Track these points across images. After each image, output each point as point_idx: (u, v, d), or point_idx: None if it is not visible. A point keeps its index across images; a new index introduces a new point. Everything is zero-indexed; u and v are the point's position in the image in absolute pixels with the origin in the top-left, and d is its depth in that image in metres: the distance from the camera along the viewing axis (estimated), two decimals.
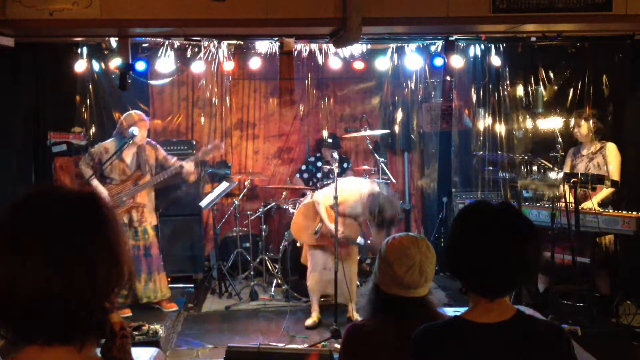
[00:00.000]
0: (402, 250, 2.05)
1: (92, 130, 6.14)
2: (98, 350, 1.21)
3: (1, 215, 1.06)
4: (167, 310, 5.47)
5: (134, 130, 5.18)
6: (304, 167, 6.67)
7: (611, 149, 5.08)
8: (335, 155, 4.98)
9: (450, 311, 2.58)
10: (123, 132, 5.24)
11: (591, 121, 5.10)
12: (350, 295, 4.90)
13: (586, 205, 4.82)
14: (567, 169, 5.23)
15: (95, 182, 5.18)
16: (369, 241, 6.41)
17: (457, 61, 5.60)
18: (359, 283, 5.38)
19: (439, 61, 5.79)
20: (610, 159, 5.02)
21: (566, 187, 4.80)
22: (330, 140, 6.43)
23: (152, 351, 3.36)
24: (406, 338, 1.97)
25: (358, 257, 5.27)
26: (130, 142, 5.21)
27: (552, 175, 5.00)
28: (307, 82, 6.79)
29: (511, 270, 1.57)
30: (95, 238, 1.07)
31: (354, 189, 4.88)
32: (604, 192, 4.95)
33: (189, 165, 5.38)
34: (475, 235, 1.58)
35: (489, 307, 1.59)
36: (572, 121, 5.37)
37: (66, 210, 1.07)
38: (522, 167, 4.94)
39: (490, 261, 1.55)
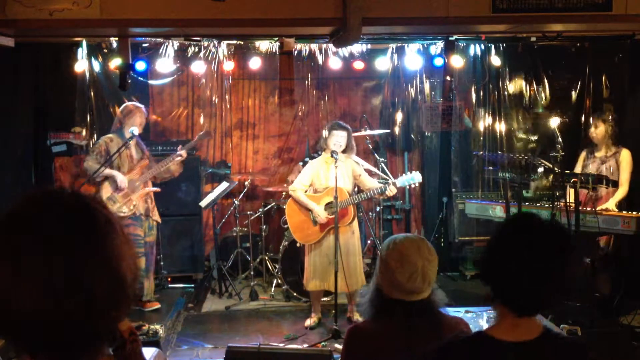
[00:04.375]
0: (403, 256, 2.00)
1: (92, 130, 6.14)
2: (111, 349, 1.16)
3: None
4: (147, 309, 5.41)
5: (134, 130, 5.18)
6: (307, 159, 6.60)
7: (625, 156, 5.08)
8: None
9: (451, 311, 2.58)
10: (123, 123, 5.25)
11: (609, 124, 5.11)
12: (348, 286, 4.80)
13: (605, 206, 4.85)
14: (578, 169, 5.24)
15: (108, 170, 5.10)
16: (369, 241, 6.42)
17: (457, 61, 5.59)
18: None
19: (439, 61, 5.79)
20: (624, 166, 5.04)
21: (567, 186, 4.81)
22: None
23: (152, 351, 3.35)
24: (409, 340, 1.96)
25: (360, 244, 5.11)
26: (131, 141, 5.21)
27: (552, 175, 5.00)
28: (307, 82, 6.79)
29: (549, 291, 1.53)
30: (89, 250, 0.98)
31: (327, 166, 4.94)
32: (619, 193, 4.96)
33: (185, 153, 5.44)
34: (520, 250, 1.53)
35: (516, 322, 1.54)
36: (590, 121, 5.35)
37: (60, 218, 0.99)
38: (522, 167, 4.94)
39: (531, 279, 1.50)
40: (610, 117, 5.16)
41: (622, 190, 4.96)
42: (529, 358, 1.51)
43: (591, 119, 5.35)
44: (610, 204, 4.89)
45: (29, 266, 0.95)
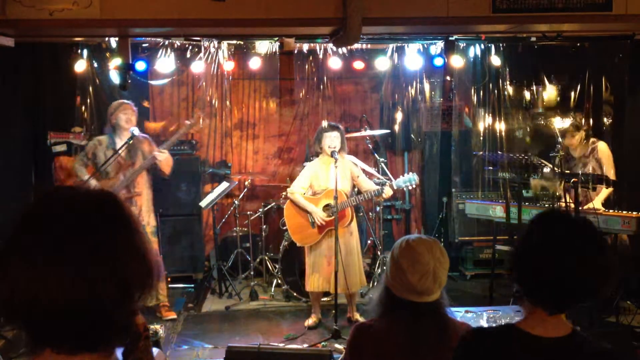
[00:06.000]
0: (415, 257, 1.97)
1: (92, 130, 6.14)
2: (119, 352, 1.14)
3: (19, 221, 1.00)
4: (166, 318, 5.27)
5: (134, 130, 5.11)
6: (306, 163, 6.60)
7: (603, 149, 5.08)
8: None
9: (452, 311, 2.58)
10: (111, 123, 5.09)
11: (583, 130, 5.12)
12: (348, 286, 4.77)
13: (589, 206, 4.83)
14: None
15: (92, 183, 4.93)
16: (369, 241, 6.42)
17: (457, 61, 5.59)
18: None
19: (439, 61, 5.79)
20: (605, 161, 5.03)
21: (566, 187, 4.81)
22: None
23: (152, 351, 3.35)
24: (414, 341, 1.94)
25: (359, 246, 5.07)
26: (130, 142, 5.10)
27: (553, 175, 5.00)
28: (307, 82, 6.79)
29: (587, 288, 1.50)
30: (120, 239, 1.01)
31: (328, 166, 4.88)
32: (605, 192, 4.95)
33: (161, 156, 5.08)
34: (558, 248, 1.50)
35: (544, 319, 1.53)
36: (566, 132, 5.31)
37: (87, 211, 1.01)
38: (522, 167, 4.95)
39: (568, 276, 1.47)
40: (583, 122, 5.17)
41: (609, 188, 4.93)
42: (558, 352, 1.50)
43: (567, 130, 5.27)
44: (597, 204, 4.87)
45: (71, 262, 0.96)
